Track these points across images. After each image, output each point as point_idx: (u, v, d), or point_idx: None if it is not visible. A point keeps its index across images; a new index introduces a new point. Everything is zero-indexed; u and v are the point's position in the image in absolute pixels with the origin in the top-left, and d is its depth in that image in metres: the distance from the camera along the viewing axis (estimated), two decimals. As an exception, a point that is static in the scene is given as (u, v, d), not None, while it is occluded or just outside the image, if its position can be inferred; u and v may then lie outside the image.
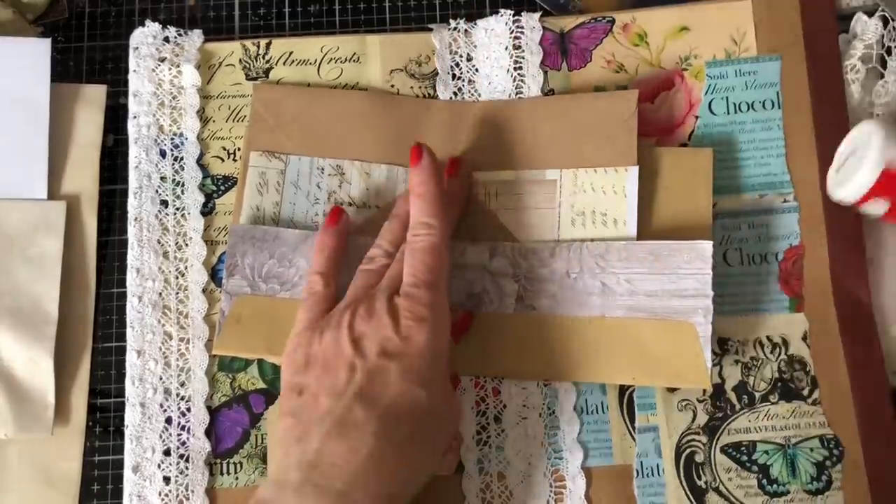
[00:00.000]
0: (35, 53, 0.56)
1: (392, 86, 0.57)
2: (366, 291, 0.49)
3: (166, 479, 0.52)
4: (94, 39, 0.60)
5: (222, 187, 0.56)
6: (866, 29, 0.57)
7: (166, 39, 0.58)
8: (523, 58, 0.57)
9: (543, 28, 0.57)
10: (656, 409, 0.53)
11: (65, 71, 0.59)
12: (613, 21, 0.57)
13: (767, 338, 0.54)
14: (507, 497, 0.52)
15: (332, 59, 0.58)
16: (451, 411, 0.49)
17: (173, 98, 0.57)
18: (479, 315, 0.53)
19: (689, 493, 0.52)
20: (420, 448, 0.46)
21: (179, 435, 0.53)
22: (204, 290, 0.54)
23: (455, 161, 0.55)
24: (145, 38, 0.58)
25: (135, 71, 0.57)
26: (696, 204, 0.54)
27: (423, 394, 0.45)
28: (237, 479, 0.52)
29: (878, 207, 0.52)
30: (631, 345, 0.52)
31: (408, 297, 0.47)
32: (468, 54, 0.58)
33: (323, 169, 0.55)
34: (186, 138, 0.56)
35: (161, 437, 0.52)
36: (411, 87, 0.57)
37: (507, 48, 0.57)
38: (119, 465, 0.53)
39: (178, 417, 0.53)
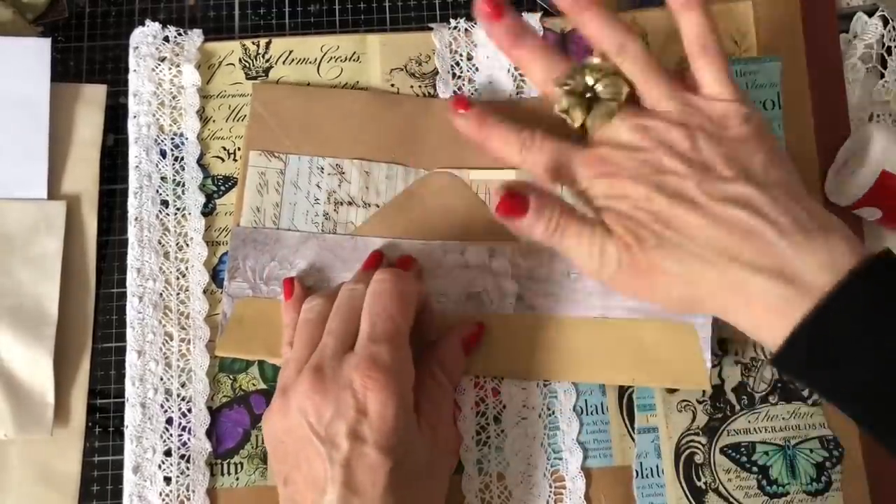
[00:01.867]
0: (35, 53, 0.56)
1: (392, 85, 0.57)
2: (309, 353, 0.47)
3: (167, 480, 0.52)
4: (94, 39, 0.59)
5: (223, 187, 0.56)
6: (866, 29, 0.57)
7: (166, 39, 0.58)
8: (524, 58, 0.57)
9: (544, 28, 0.57)
10: (656, 409, 0.53)
11: (65, 71, 0.59)
12: (614, 21, 0.57)
13: (767, 338, 0.54)
14: (506, 497, 0.52)
15: (332, 59, 0.58)
16: (444, 449, 0.49)
17: (173, 98, 0.57)
18: (479, 315, 0.53)
19: (688, 493, 0.52)
20: (424, 498, 0.46)
21: (180, 435, 0.53)
22: (205, 291, 0.54)
23: (407, 259, 0.54)
24: (145, 38, 0.57)
25: (135, 71, 0.57)
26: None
27: (408, 459, 0.45)
28: (238, 479, 0.52)
29: (871, 213, 0.52)
30: (631, 345, 0.52)
31: (364, 358, 0.45)
32: (468, 53, 0.58)
33: (323, 168, 0.55)
34: (187, 138, 0.56)
35: (162, 437, 0.52)
36: (411, 87, 0.57)
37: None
38: (119, 465, 0.53)
39: (179, 418, 0.53)
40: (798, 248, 0.41)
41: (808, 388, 0.51)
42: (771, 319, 0.42)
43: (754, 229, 0.43)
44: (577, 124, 0.48)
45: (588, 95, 0.48)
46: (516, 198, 0.46)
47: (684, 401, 0.53)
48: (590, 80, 0.48)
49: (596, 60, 0.48)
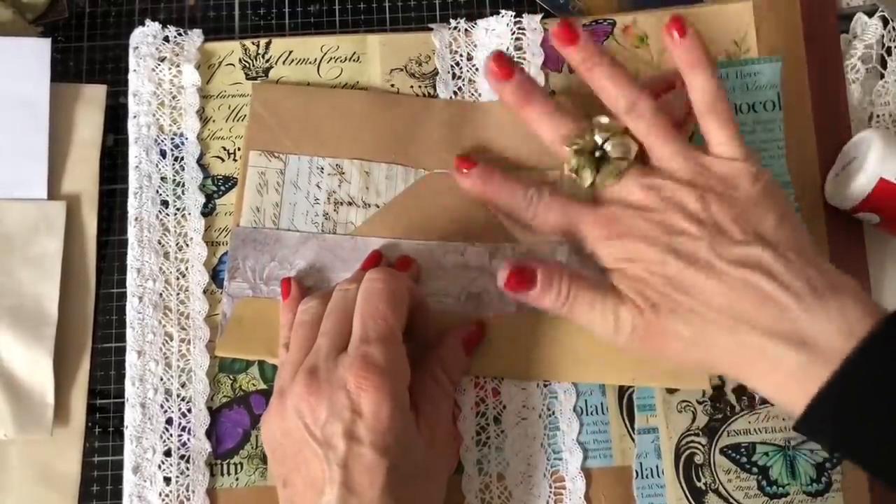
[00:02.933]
0: (35, 53, 0.56)
1: (392, 85, 0.57)
2: (305, 355, 0.47)
3: (167, 480, 0.52)
4: (94, 39, 0.59)
5: (222, 188, 0.56)
6: (866, 29, 0.57)
7: (166, 39, 0.58)
8: (524, 59, 0.57)
9: (544, 29, 0.57)
10: (656, 410, 0.53)
11: (65, 71, 0.59)
12: (614, 23, 0.57)
13: (767, 339, 0.54)
14: (506, 497, 0.52)
15: (332, 59, 0.58)
16: (444, 450, 0.49)
17: (173, 98, 0.57)
18: (479, 315, 0.53)
19: (688, 494, 0.52)
20: (422, 498, 0.46)
21: (180, 436, 0.53)
22: (205, 291, 0.54)
23: (406, 259, 0.54)
24: (145, 38, 0.57)
25: (135, 71, 0.57)
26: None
27: (406, 459, 0.45)
28: (237, 479, 0.52)
29: (869, 218, 0.52)
30: (631, 346, 0.52)
31: (357, 358, 0.44)
32: (468, 54, 0.58)
33: (322, 168, 0.55)
34: (186, 138, 0.56)
35: (161, 437, 0.52)
36: (411, 87, 0.57)
37: (507, 49, 0.57)
38: (119, 465, 0.53)
39: (179, 418, 0.53)
40: (813, 312, 0.42)
41: (831, 452, 0.51)
42: (790, 386, 0.42)
43: (769, 294, 0.43)
44: (586, 184, 0.48)
45: (597, 154, 0.48)
46: (523, 272, 0.47)
47: (684, 401, 0.53)
48: (598, 140, 0.48)
49: (605, 119, 0.48)
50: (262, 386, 0.54)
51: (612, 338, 0.47)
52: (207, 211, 0.56)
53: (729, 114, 0.48)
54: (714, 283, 0.44)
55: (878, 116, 0.57)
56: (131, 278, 0.54)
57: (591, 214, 0.48)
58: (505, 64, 0.50)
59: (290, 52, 0.58)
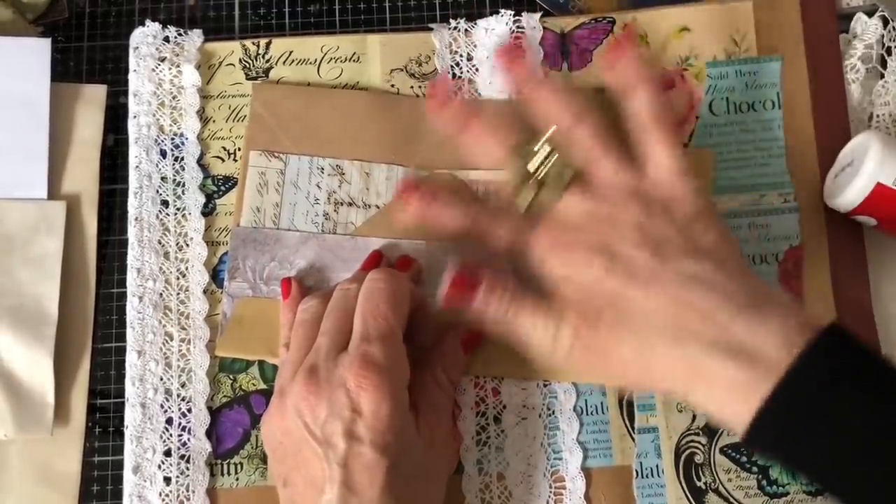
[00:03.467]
0: (35, 53, 0.56)
1: (392, 85, 0.57)
2: (305, 354, 0.47)
3: (167, 480, 0.52)
4: (94, 39, 0.59)
5: (223, 188, 0.56)
6: (866, 29, 0.57)
7: (166, 39, 0.58)
8: (524, 58, 0.57)
9: (544, 28, 0.57)
10: (656, 409, 0.53)
11: (65, 71, 0.59)
12: (614, 21, 0.57)
13: (767, 338, 0.54)
14: (506, 497, 0.52)
15: (332, 59, 0.58)
16: (443, 450, 0.49)
17: (173, 98, 0.57)
18: (480, 315, 0.53)
19: (688, 493, 0.52)
20: (422, 497, 0.46)
21: (180, 435, 0.53)
22: (205, 291, 0.54)
23: (406, 259, 0.53)
24: (145, 38, 0.57)
25: (135, 71, 0.57)
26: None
27: (405, 459, 0.45)
28: (238, 479, 0.52)
29: (867, 221, 0.52)
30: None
31: (357, 357, 0.45)
32: (468, 54, 0.58)
33: (323, 168, 0.55)
34: (187, 138, 0.56)
35: (162, 437, 0.52)
36: (411, 87, 0.57)
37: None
38: (119, 465, 0.53)
39: (179, 418, 0.53)
40: (753, 325, 0.41)
41: (778, 464, 0.50)
42: (733, 399, 0.41)
43: (709, 307, 0.42)
44: (525, 204, 0.47)
45: (535, 175, 0.47)
46: (469, 278, 0.46)
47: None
48: (535, 162, 0.47)
49: (542, 140, 0.47)
50: (262, 386, 0.54)
51: (550, 353, 0.45)
52: (207, 211, 0.56)
53: (671, 127, 0.47)
54: (655, 298, 0.43)
55: (877, 116, 0.57)
56: (131, 278, 0.54)
57: (535, 229, 0.47)
58: (439, 96, 0.49)
59: (290, 52, 0.58)
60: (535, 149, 0.47)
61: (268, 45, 0.58)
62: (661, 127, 0.46)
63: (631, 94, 0.47)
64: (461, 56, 0.58)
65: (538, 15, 0.57)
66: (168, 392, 0.53)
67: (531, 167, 0.47)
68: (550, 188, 0.47)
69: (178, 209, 0.56)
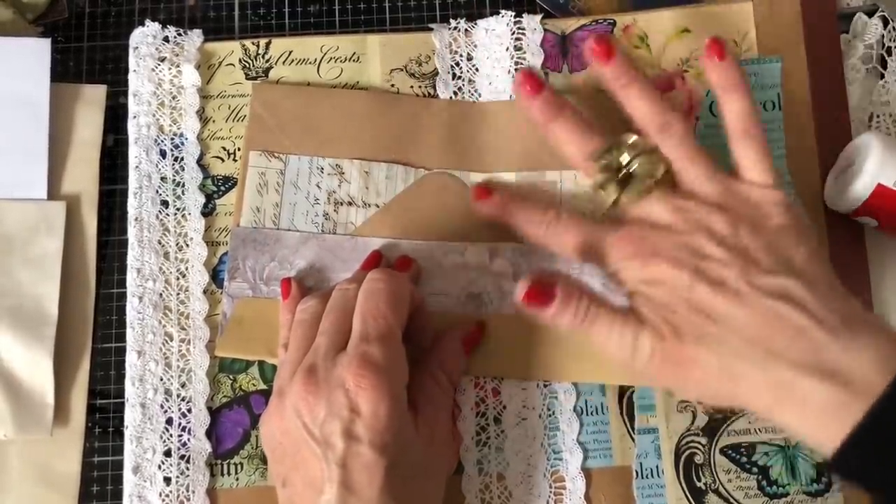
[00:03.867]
0: (35, 53, 0.56)
1: (392, 85, 0.57)
2: (303, 354, 0.47)
3: (167, 480, 0.52)
4: (94, 39, 0.59)
5: (222, 188, 0.56)
6: (866, 29, 0.57)
7: (166, 39, 0.58)
8: (524, 59, 0.57)
9: (544, 29, 0.57)
10: (656, 410, 0.53)
11: (65, 71, 0.59)
12: (614, 23, 0.57)
13: (767, 339, 0.54)
14: (506, 498, 0.52)
15: (331, 59, 0.58)
16: (443, 449, 0.49)
17: (173, 98, 0.57)
18: (479, 315, 0.53)
19: (688, 494, 0.52)
20: (421, 497, 0.46)
21: (180, 436, 0.53)
22: (205, 291, 0.54)
23: (406, 260, 0.53)
24: (145, 38, 0.57)
25: (135, 71, 0.57)
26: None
27: (404, 458, 0.45)
28: (237, 479, 0.52)
29: (868, 222, 0.52)
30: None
31: (356, 357, 0.44)
32: (468, 54, 0.58)
33: (322, 168, 0.55)
34: (186, 138, 0.56)
35: (161, 437, 0.52)
36: (411, 87, 0.57)
37: (507, 49, 0.57)
38: (119, 465, 0.53)
39: (179, 418, 0.53)
40: (845, 346, 0.40)
41: (868, 491, 0.49)
42: (824, 422, 0.40)
43: (800, 326, 0.41)
44: (610, 200, 0.47)
45: (623, 172, 0.47)
46: (542, 287, 0.45)
47: (684, 401, 0.53)
48: (626, 157, 0.47)
49: (633, 138, 0.47)
50: (262, 386, 0.54)
51: (629, 363, 0.45)
52: (207, 211, 0.56)
53: (763, 139, 0.46)
54: (744, 312, 0.42)
55: (877, 116, 0.57)
56: (131, 278, 0.54)
57: (613, 234, 0.46)
58: (534, 80, 0.49)
59: (290, 52, 0.58)
60: (624, 146, 0.47)
61: (268, 45, 0.58)
62: (753, 135, 0.46)
63: (727, 97, 0.47)
64: (461, 56, 0.58)
65: (539, 16, 0.57)
66: (168, 392, 0.53)
67: (621, 162, 0.46)
68: (637, 186, 0.46)
69: (178, 209, 0.56)
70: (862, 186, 0.51)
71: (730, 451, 0.52)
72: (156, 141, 0.56)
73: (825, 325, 0.41)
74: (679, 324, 0.43)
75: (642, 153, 0.47)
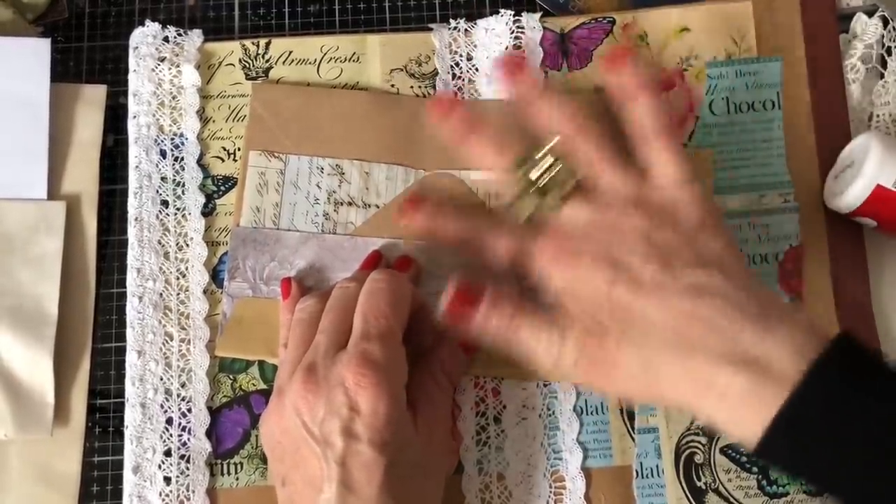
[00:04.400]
0: (35, 53, 0.56)
1: (392, 85, 0.57)
2: (303, 353, 0.47)
3: (167, 480, 0.52)
4: (94, 39, 0.59)
5: (223, 188, 0.56)
6: (866, 29, 0.57)
7: (166, 39, 0.58)
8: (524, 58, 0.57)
9: (544, 28, 0.57)
10: (656, 410, 0.53)
11: (65, 71, 0.59)
12: (614, 21, 0.57)
13: (767, 338, 0.54)
14: (506, 497, 0.52)
15: (331, 59, 0.58)
16: (442, 449, 0.50)
17: (173, 98, 0.57)
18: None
19: (688, 493, 0.52)
20: (420, 496, 0.46)
21: (180, 435, 0.53)
22: (205, 291, 0.54)
23: (405, 260, 0.53)
24: (145, 38, 0.57)
25: (135, 71, 0.57)
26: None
27: (403, 458, 0.44)
28: (238, 479, 0.52)
29: (867, 222, 0.52)
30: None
31: (356, 355, 0.45)
32: (468, 54, 0.58)
33: (322, 168, 0.55)
34: (186, 138, 0.56)
35: (161, 437, 0.52)
36: (411, 87, 0.57)
37: (507, 48, 0.57)
38: (119, 465, 0.53)
39: (179, 418, 0.53)
40: (764, 335, 0.40)
41: (791, 476, 0.50)
42: (743, 412, 0.40)
43: (719, 318, 0.41)
44: (526, 213, 0.47)
45: (539, 181, 0.46)
46: (470, 293, 0.45)
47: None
48: (540, 169, 0.46)
49: (553, 141, 0.47)
50: (262, 386, 0.54)
51: (553, 367, 0.45)
52: (207, 211, 0.56)
53: (673, 134, 0.46)
54: (662, 309, 0.42)
55: (877, 116, 0.57)
56: (131, 278, 0.54)
57: (538, 239, 0.46)
58: (444, 101, 0.49)
59: (290, 52, 0.58)
60: (538, 157, 0.46)
61: (267, 45, 0.58)
62: (663, 135, 0.46)
63: (631, 103, 0.47)
64: (461, 56, 0.58)
65: (538, 15, 0.57)
66: (168, 392, 0.53)
67: (533, 176, 0.46)
68: (552, 197, 0.46)
69: (178, 209, 0.56)
70: (861, 187, 0.51)
71: (730, 451, 0.52)
72: (156, 141, 0.56)
73: (741, 315, 0.41)
74: (601, 326, 0.43)
75: (554, 165, 0.46)
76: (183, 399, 0.53)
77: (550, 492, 0.52)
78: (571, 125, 0.46)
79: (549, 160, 0.46)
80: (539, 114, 0.48)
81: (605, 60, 0.48)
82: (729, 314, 0.41)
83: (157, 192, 0.56)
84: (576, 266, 0.44)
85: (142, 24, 0.58)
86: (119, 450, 0.53)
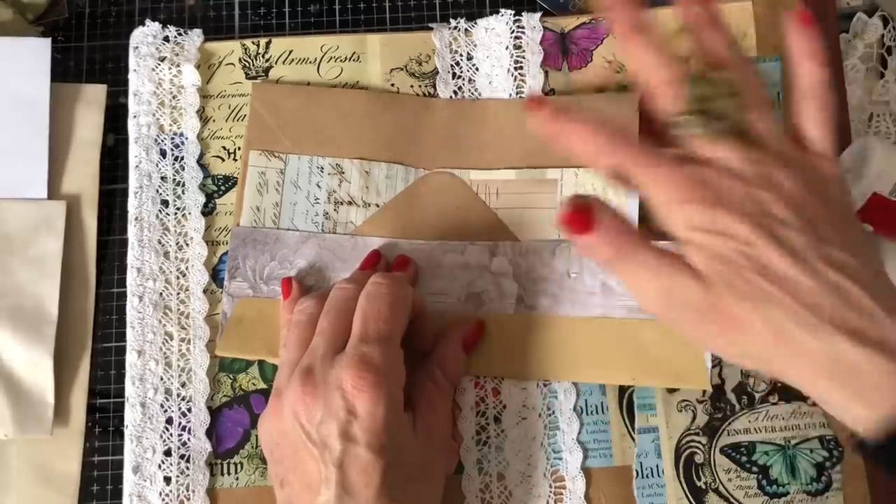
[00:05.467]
0: (35, 53, 0.56)
1: (392, 85, 0.57)
2: (301, 354, 0.47)
3: (167, 480, 0.52)
4: (94, 39, 0.59)
5: (223, 187, 0.56)
6: (866, 29, 0.57)
7: (166, 39, 0.58)
8: (524, 57, 0.57)
9: (544, 28, 0.57)
10: (656, 409, 0.53)
11: (65, 71, 0.59)
12: (614, 21, 0.57)
13: (767, 338, 0.53)
14: (506, 497, 0.52)
15: (332, 58, 0.58)
16: (441, 450, 0.49)
17: (173, 97, 0.57)
18: (479, 315, 0.53)
19: (688, 493, 0.52)
20: (419, 498, 0.46)
21: (180, 435, 0.53)
22: (205, 291, 0.54)
23: (404, 260, 0.53)
24: (145, 38, 0.57)
25: (135, 70, 0.57)
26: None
27: (402, 460, 0.45)
28: (238, 479, 0.52)
29: (864, 227, 0.52)
30: (631, 345, 0.52)
31: (354, 358, 0.44)
32: (468, 53, 0.58)
33: (322, 168, 0.55)
34: (186, 138, 0.56)
35: (162, 437, 0.52)
36: (411, 86, 0.57)
37: (507, 48, 0.57)
38: (119, 465, 0.53)
39: (179, 418, 0.53)
40: None
41: None
42: (871, 396, 0.38)
43: (860, 300, 0.39)
44: (693, 131, 0.42)
45: (711, 106, 0.42)
46: (582, 212, 0.41)
47: (684, 401, 0.53)
48: (718, 93, 0.42)
49: (725, 74, 0.43)
50: (262, 386, 0.54)
51: (663, 309, 0.41)
52: (207, 210, 0.56)
53: (832, 110, 0.43)
54: (809, 278, 0.39)
55: (877, 116, 0.57)
56: (131, 278, 0.54)
57: (675, 171, 0.42)
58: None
59: (290, 51, 0.58)
60: (717, 79, 0.43)
61: (268, 44, 0.58)
62: (827, 105, 0.43)
63: (801, 62, 0.44)
64: (461, 56, 0.58)
65: (538, 14, 0.57)
66: (168, 392, 0.53)
67: (712, 96, 0.42)
68: (717, 126, 0.42)
69: (178, 209, 0.56)
70: (857, 194, 0.50)
71: (730, 451, 0.52)
72: (156, 140, 0.56)
73: (882, 303, 0.39)
74: (734, 280, 0.40)
75: (731, 94, 0.42)
76: (183, 399, 0.53)
77: (550, 492, 0.52)
78: (744, 66, 0.44)
79: (728, 88, 0.43)
80: (713, 40, 0.44)
81: (796, 17, 0.45)
82: (870, 300, 0.39)
83: (157, 191, 0.56)
84: (716, 212, 0.41)
85: (142, 23, 0.58)
86: (119, 449, 0.53)
